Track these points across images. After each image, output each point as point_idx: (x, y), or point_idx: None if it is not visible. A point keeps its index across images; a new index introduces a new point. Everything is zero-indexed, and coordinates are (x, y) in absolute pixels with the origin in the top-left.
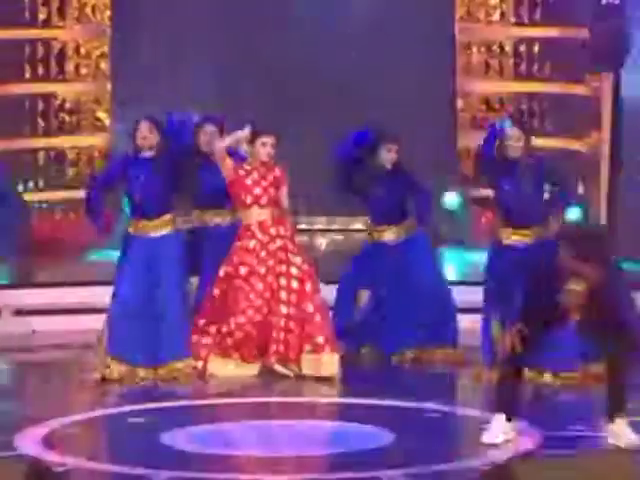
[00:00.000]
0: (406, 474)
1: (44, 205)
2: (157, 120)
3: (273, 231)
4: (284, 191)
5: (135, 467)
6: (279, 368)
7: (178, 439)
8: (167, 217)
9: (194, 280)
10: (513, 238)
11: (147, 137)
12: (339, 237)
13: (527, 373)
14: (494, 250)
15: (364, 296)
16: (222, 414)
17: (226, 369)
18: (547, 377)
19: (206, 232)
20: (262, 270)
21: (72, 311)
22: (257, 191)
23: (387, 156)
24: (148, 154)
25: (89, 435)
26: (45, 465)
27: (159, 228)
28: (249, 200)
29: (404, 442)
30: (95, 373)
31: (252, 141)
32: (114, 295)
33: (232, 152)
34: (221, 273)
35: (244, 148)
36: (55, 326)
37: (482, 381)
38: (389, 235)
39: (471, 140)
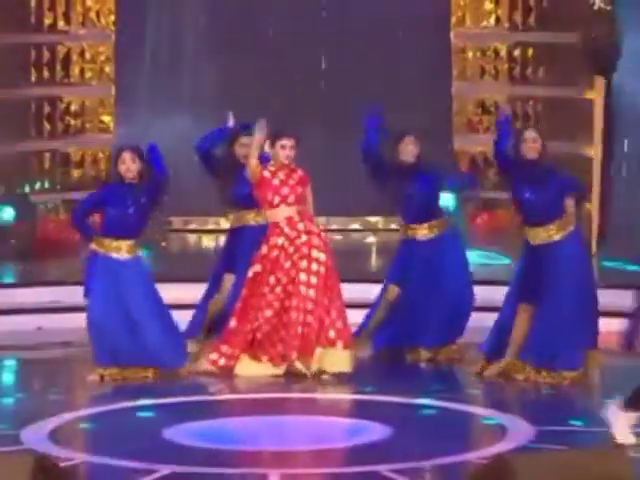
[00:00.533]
0: (405, 468)
1: (49, 206)
2: (139, 148)
3: (301, 226)
4: (308, 192)
5: (139, 462)
6: (299, 365)
7: (182, 434)
8: (130, 242)
9: (228, 277)
10: (540, 237)
11: (130, 168)
12: (337, 237)
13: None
14: (525, 251)
15: (394, 291)
16: (229, 410)
17: (252, 369)
18: (544, 374)
19: (243, 232)
20: (287, 264)
21: (76, 309)
22: (285, 191)
23: (406, 150)
24: (129, 181)
25: (95, 430)
26: (51, 460)
27: (121, 250)
28: (277, 200)
29: (403, 437)
30: (93, 375)
31: (272, 144)
32: (89, 311)
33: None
34: (250, 274)
35: (266, 150)
36: (59, 324)
37: (485, 375)
38: (422, 232)
39: (467, 142)
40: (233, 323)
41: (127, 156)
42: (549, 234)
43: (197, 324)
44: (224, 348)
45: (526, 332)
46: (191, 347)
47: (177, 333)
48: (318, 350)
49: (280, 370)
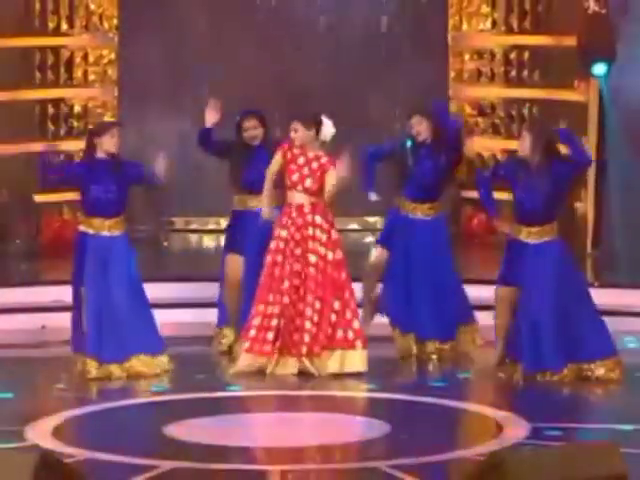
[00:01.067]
0: (403, 464)
1: (53, 206)
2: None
3: (309, 218)
4: (329, 177)
5: (141, 458)
6: (307, 363)
7: (181, 430)
8: (120, 218)
9: (231, 257)
10: (530, 237)
11: (117, 144)
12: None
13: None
14: (510, 247)
15: (382, 254)
16: (232, 406)
17: (284, 365)
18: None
19: (244, 215)
20: (298, 251)
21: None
22: (295, 177)
23: (413, 132)
24: (105, 158)
25: (97, 427)
26: (55, 456)
27: (112, 228)
28: (288, 183)
29: (402, 434)
30: (82, 365)
31: None
32: (78, 295)
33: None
34: (267, 258)
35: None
36: (63, 322)
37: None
38: (416, 211)
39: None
40: (255, 308)
41: (117, 132)
42: (539, 234)
43: (224, 314)
44: (252, 333)
45: (508, 322)
46: (229, 336)
47: (152, 319)
48: (338, 352)
49: (295, 368)
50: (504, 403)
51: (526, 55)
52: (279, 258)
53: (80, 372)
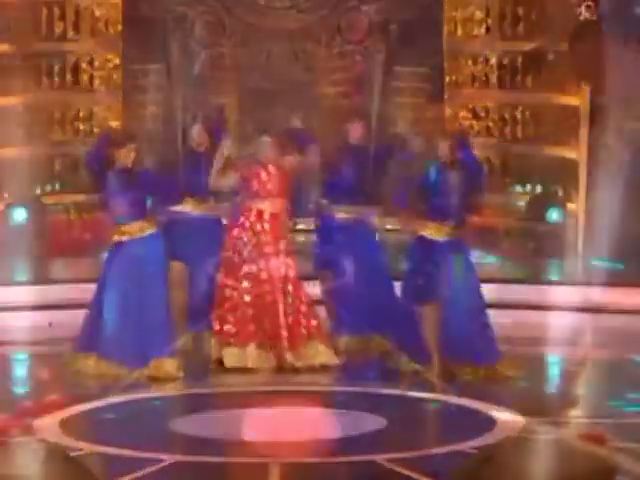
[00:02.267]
0: (399, 458)
1: (60, 207)
2: None
3: (263, 225)
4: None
5: (146, 451)
6: (290, 358)
7: (188, 425)
8: (148, 219)
9: (175, 265)
10: (436, 232)
11: (134, 157)
12: None
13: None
14: (417, 249)
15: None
16: (232, 402)
17: (243, 360)
18: (467, 371)
19: (181, 220)
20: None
21: (85, 306)
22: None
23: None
24: (124, 167)
25: (104, 421)
26: (62, 449)
27: (144, 228)
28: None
29: (397, 428)
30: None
31: None
32: (101, 298)
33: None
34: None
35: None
36: (69, 320)
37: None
38: (338, 214)
39: None
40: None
41: (135, 147)
42: (440, 232)
43: None
44: (219, 312)
45: (437, 332)
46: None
47: (170, 323)
48: (308, 345)
49: (270, 363)
50: (498, 398)
51: (519, 60)
52: (235, 257)
53: (84, 370)
